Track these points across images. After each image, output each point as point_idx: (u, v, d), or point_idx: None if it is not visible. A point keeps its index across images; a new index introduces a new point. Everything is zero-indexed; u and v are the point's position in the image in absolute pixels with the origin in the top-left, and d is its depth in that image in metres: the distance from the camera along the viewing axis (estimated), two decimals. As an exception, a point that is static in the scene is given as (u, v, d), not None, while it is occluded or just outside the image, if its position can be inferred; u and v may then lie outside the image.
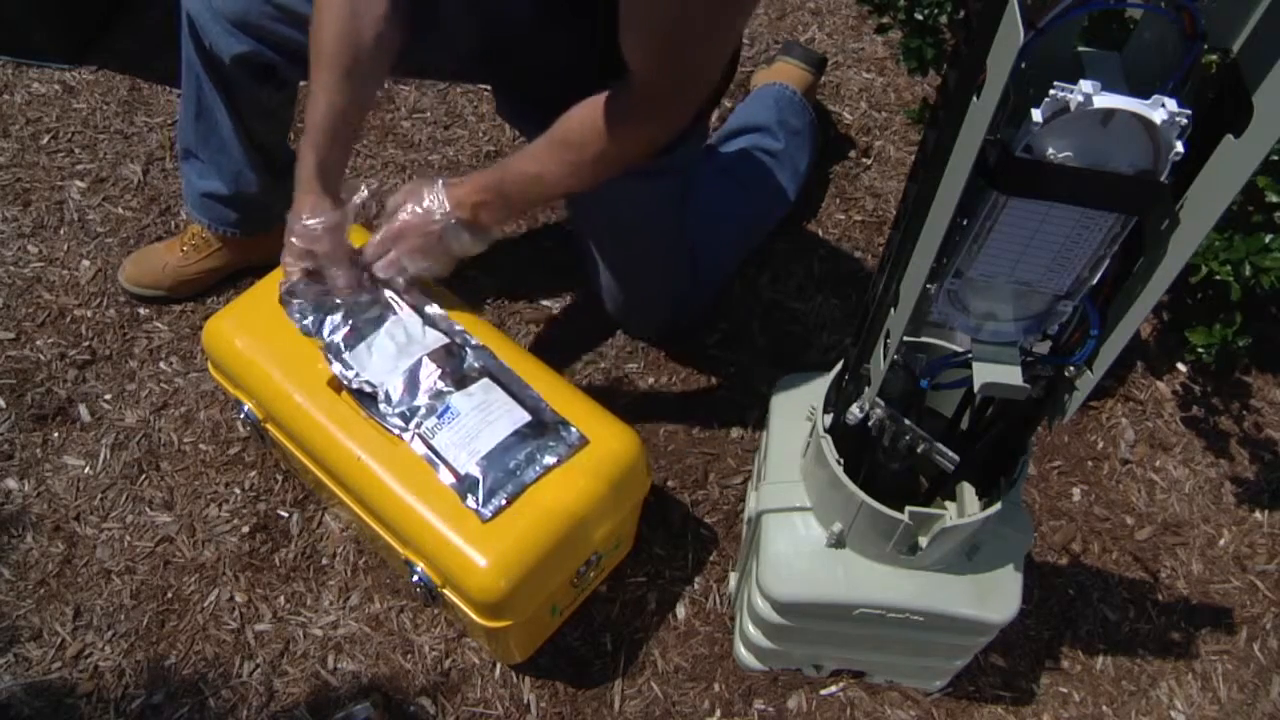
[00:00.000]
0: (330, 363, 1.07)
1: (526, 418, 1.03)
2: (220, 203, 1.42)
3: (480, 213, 1.08)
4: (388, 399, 1.04)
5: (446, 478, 1.00)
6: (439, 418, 1.03)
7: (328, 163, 1.11)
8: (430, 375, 1.05)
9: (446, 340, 1.09)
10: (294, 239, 1.10)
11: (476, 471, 0.99)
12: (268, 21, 1.18)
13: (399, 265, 1.10)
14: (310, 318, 1.10)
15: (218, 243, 1.49)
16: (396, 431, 1.04)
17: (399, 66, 1.22)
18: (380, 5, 1.04)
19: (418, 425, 1.03)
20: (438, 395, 1.04)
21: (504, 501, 0.99)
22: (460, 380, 1.06)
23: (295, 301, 1.12)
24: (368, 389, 1.05)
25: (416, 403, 1.04)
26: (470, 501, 0.99)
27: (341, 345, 1.08)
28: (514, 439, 1.02)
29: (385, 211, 1.12)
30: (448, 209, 1.07)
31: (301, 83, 1.38)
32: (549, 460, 1.01)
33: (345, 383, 1.07)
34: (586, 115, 1.00)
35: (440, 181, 1.09)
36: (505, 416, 1.03)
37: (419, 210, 1.08)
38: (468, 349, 1.09)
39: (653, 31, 0.90)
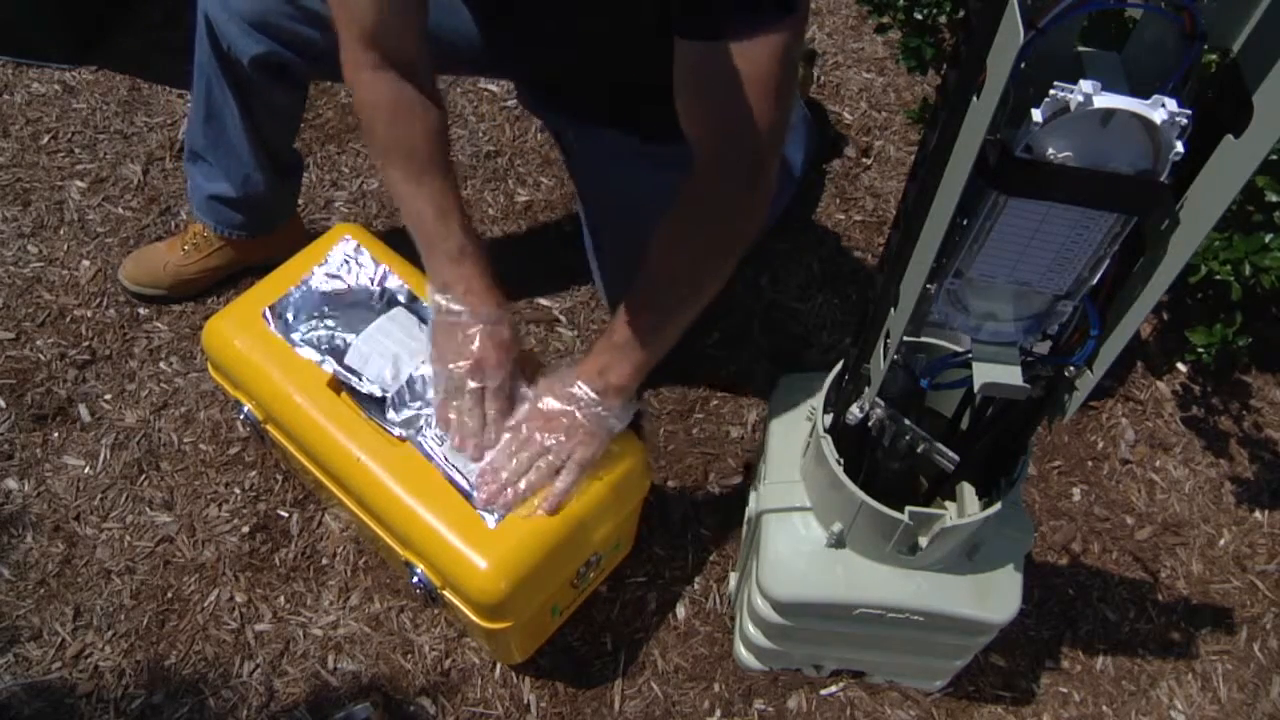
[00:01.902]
0: (330, 366, 1.07)
1: None
2: (227, 205, 1.42)
3: (628, 389, 1.02)
4: (392, 406, 1.04)
5: (458, 484, 1.00)
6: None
7: (480, 254, 1.03)
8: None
9: None
10: (460, 355, 1.00)
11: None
12: (286, 21, 1.18)
13: (575, 468, 0.99)
14: (304, 330, 1.10)
15: (219, 242, 1.49)
16: (399, 434, 1.04)
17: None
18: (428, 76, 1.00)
19: (419, 432, 1.03)
20: None
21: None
22: None
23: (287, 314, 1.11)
24: (369, 396, 1.05)
25: (419, 411, 1.04)
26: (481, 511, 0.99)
27: (342, 351, 1.08)
28: None
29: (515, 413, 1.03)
30: (603, 401, 0.99)
31: (314, 82, 1.39)
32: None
33: (346, 386, 1.07)
34: (674, 248, 0.96)
35: (574, 375, 1.01)
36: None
37: (581, 413, 0.99)
38: None
39: (715, 95, 0.86)
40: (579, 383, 1.00)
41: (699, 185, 0.95)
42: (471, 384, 1.00)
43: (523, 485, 0.98)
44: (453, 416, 1.01)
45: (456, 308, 1.00)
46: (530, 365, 1.07)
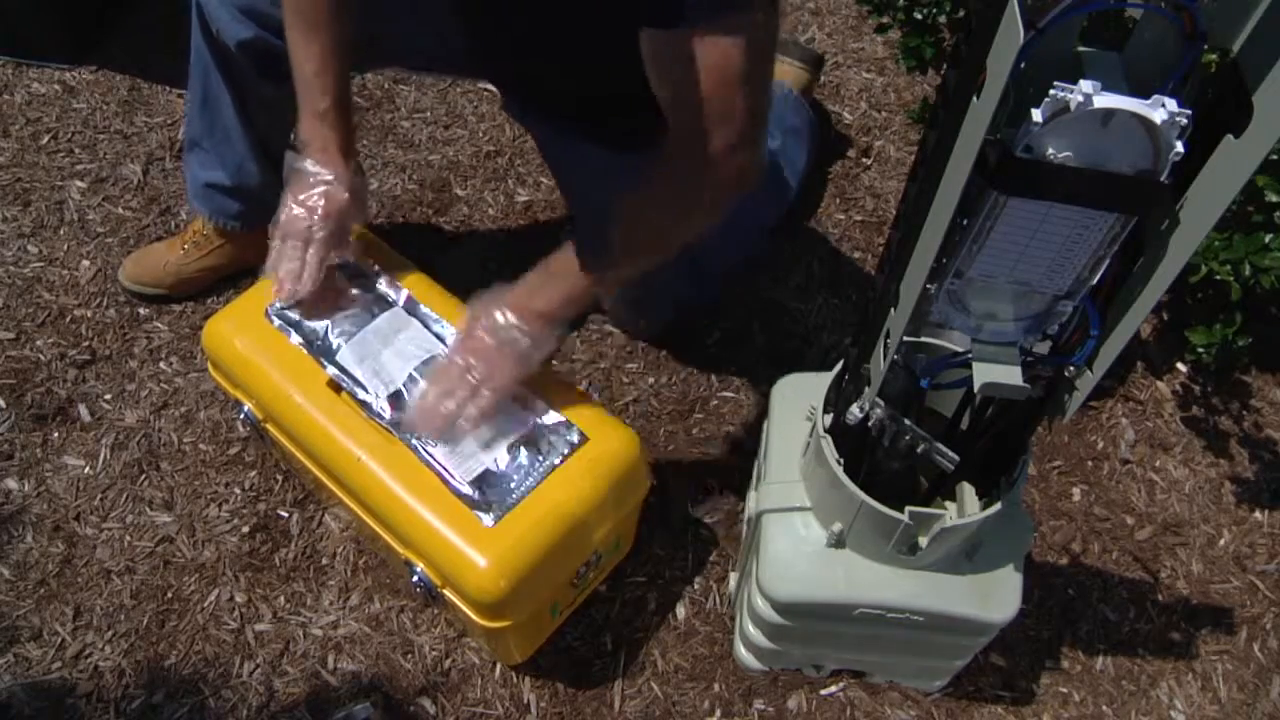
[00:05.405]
0: (324, 365, 1.07)
1: (525, 422, 1.03)
2: (222, 193, 1.42)
3: (554, 317, 1.03)
4: (385, 407, 1.04)
5: (451, 487, 1.00)
6: None
7: (343, 119, 1.09)
8: (425, 383, 1.05)
9: (440, 345, 1.09)
10: (296, 203, 1.07)
11: (479, 482, 0.99)
12: (273, 9, 1.18)
13: (488, 395, 1.01)
14: (299, 324, 1.10)
15: (218, 239, 1.49)
16: (396, 433, 1.04)
17: (402, 61, 1.19)
18: None
19: (414, 435, 1.03)
20: None
21: (507, 510, 0.99)
22: None
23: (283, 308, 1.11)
24: (361, 395, 1.05)
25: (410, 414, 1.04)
26: (476, 511, 0.99)
27: (333, 348, 1.08)
28: (514, 445, 1.02)
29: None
30: (523, 327, 1.01)
31: None
32: (554, 461, 1.01)
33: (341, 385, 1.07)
34: (641, 215, 0.99)
35: (504, 303, 1.02)
36: (504, 422, 1.03)
37: (493, 337, 1.01)
38: None
39: (691, 79, 0.87)
40: (504, 307, 1.02)
41: (664, 166, 0.97)
42: (299, 228, 1.07)
43: (443, 410, 1.01)
44: (275, 254, 1.09)
45: (306, 160, 1.08)
46: (371, 248, 1.16)
